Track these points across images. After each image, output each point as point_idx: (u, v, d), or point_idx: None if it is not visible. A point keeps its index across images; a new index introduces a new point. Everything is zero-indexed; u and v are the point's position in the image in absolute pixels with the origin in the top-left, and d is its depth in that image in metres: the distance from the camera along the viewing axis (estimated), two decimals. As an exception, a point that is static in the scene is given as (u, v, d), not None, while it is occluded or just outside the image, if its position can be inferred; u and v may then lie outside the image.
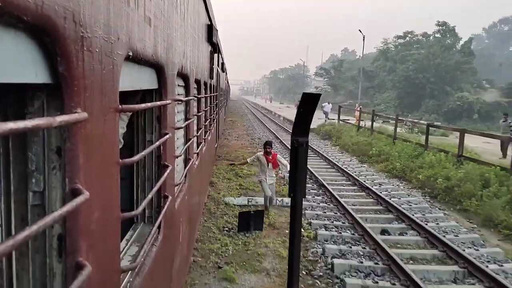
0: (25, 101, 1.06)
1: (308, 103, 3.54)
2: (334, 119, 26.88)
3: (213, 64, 7.19)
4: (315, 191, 10.52)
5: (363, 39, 31.00)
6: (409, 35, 47.92)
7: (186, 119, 3.74)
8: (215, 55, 7.67)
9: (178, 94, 3.22)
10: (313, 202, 9.54)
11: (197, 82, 4.66)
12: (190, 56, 3.70)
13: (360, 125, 22.38)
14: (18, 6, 0.78)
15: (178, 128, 3.19)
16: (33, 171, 1.10)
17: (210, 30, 5.88)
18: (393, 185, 12.00)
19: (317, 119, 27.11)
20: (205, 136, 6.29)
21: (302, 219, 8.02)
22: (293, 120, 3.48)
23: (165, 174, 2.37)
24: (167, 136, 2.44)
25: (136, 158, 1.72)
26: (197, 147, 5.03)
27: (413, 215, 8.50)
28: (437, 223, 8.34)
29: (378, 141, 17.62)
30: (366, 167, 14.70)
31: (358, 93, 33.57)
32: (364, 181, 11.45)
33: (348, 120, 25.79)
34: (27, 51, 0.90)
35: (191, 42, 3.83)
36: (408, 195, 10.70)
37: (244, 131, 25.32)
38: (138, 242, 2.31)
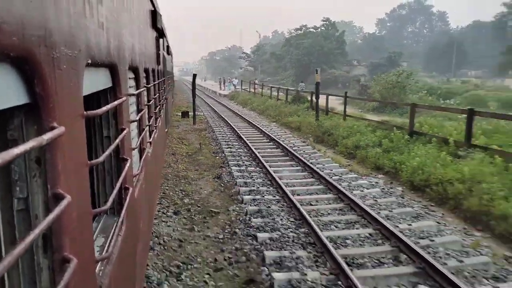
0: (6, 119, 1.13)
1: (194, 76, 20.07)
2: (239, 89, 43.37)
3: (159, 50, 7.39)
4: (216, 115, 26.40)
5: (259, 37, 47.09)
6: (304, 27, 65.40)
7: (139, 110, 3.79)
8: (161, 40, 7.89)
9: (130, 87, 3.26)
10: (210, 115, 25.40)
11: (146, 71, 4.74)
12: (138, 48, 3.73)
13: (251, 92, 38.97)
14: (6, 45, 0.87)
15: (133, 121, 3.28)
16: (16, 180, 1.18)
17: (154, 16, 5.87)
18: (249, 112, 28.25)
19: (230, 90, 43.42)
20: (156, 123, 6.42)
21: (205, 120, 25.52)
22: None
23: (126, 167, 2.45)
24: (125, 131, 2.50)
25: (101, 158, 1.85)
26: (150, 136, 5.10)
27: (248, 118, 24.46)
28: (262, 124, 24.50)
29: (256, 98, 34.06)
30: (244, 109, 31.00)
31: (258, 73, 50.11)
32: (236, 111, 27.45)
33: (247, 89, 42.23)
34: (11, 80, 0.98)
35: (138, 33, 3.82)
36: (250, 114, 26.97)
37: (185, 99, 40.64)
38: (104, 233, 2.40)
